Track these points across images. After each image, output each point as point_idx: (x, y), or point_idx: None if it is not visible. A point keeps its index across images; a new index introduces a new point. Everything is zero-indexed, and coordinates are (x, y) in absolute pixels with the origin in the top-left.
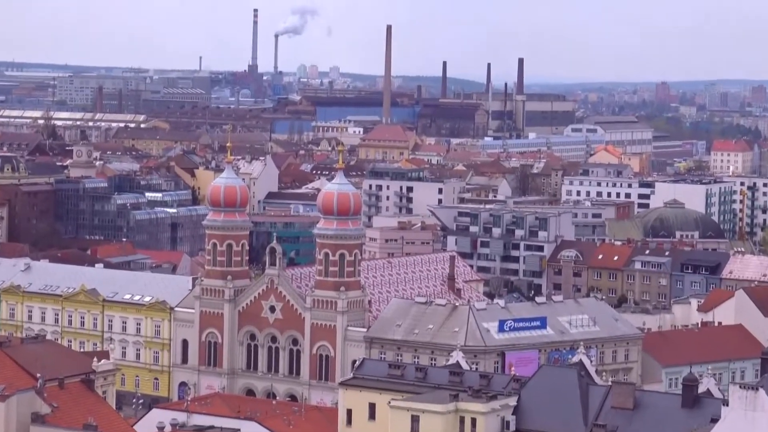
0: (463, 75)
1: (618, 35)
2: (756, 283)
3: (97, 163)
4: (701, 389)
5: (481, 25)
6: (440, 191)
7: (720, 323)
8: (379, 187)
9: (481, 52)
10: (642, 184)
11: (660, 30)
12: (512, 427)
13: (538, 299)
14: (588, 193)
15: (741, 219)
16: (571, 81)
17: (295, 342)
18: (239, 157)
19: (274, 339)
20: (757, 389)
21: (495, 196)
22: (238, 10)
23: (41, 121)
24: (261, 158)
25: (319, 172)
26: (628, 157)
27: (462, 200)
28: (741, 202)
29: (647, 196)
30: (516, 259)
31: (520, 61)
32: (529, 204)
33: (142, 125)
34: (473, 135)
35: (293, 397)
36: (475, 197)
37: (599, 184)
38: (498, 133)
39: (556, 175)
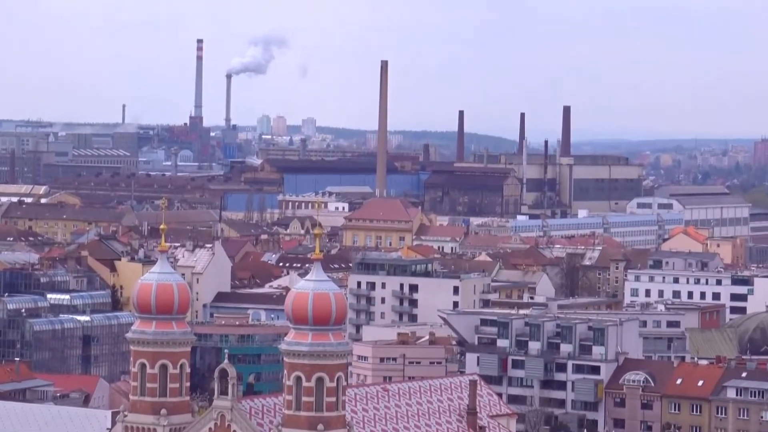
0: (488, 130)
1: (700, 76)
2: None
3: None
4: None
5: (510, 63)
6: (456, 291)
7: None
8: (372, 285)
9: (511, 99)
10: (736, 281)
11: (757, 72)
12: None
13: None
14: (661, 293)
15: None
16: (636, 137)
17: None
18: (177, 245)
19: None
20: None
21: (532, 298)
22: (176, 42)
23: None
24: (208, 246)
25: (287, 264)
26: (716, 242)
27: (486, 303)
28: None
29: (743, 297)
30: (562, 385)
31: (566, 110)
32: (580, 308)
33: (43, 200)
34: (501, 213)
35: None
36: (505, 299)
37: (676, 281)
38: (536, 211)
39: (617, 268)
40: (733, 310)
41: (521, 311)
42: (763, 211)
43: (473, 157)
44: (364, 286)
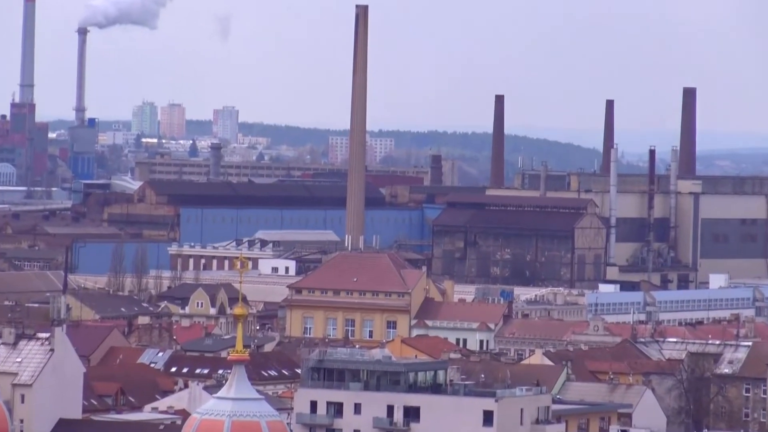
0: (546, 130)
1: None
2: None
3: None
4: None
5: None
6: (488, 418)
7: None
8: (337, 408)
9: (590, 78)
10: None
11: None
12: None
13: None
14: None
15: None
16: None
17: None
18: None
19: None
20: None
21: None
22: None
23: None
24: (42, 336)
25: (185, 370)
26: None
27: None
28: None
29: None
30: None
31: (688, 97)
32: None
33: None
34: (571, 279)
35: None
36: None
37: None
38: (633, 275)
39: None
40: None
41: None
42: None
43: (520, 179)
44: (323, 408)
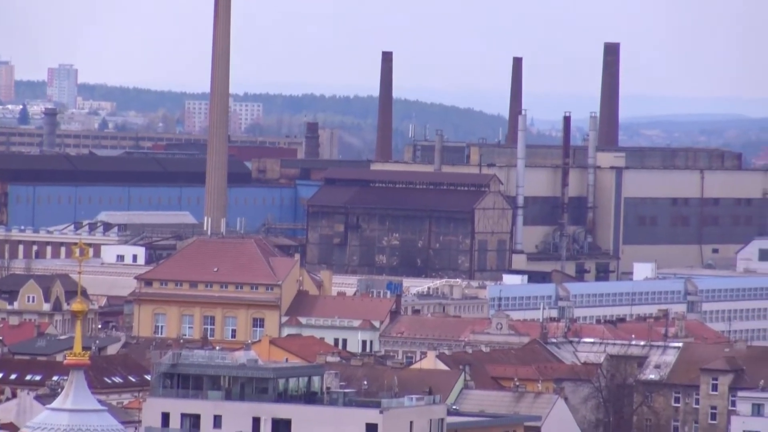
0: (441, 93)
1: None
2: None
3: None
4: None
5: None
6: None
7: None
8: (194, 421)
9: (493, 37)
10: None
11: None
12: None
13: None
14: None
15: None
16: (758, 109)
17: None
18: None
19: None
20: None
21: None
22: None
23: None
24: None
25: (14, 376)
26: None
27: None
28: None
29: None
30: None
31: (609, 53)
32: None
33: None
34: (471, 269)
35: None
36: None
37: None
38: (544, 264)
39: (713, 388)
40: None
41: None
42: None
43: (411, 151)
44: (176, 421)
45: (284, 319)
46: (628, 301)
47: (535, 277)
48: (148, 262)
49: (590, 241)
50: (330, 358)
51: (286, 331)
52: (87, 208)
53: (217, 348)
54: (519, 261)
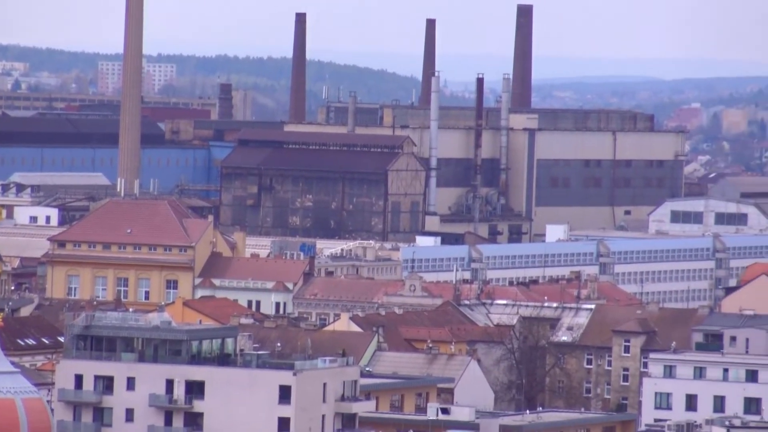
0: (354, 54)
1: None
2: None
3: None
4: None
5: None
6: (285, 395)
7: None
8: (107, 383)
9: None
10: None
11: None
12: None
13: None
14: (720, 403)
15: None
16: (670, 71)
17: None
18: None
19: None
20: None
21: (447, 411)
22: None
23: None
24: None
25: None
26: None
27: (351, 420)
28: None
29: None
30: None
31: (523, 14)
32: None
33: None
34: (384, 230)
35: None
36: (391, 412)
37: (753, 377)
38: (456, 226)
39: (626, 350)
40: None
41: None
42: None
43: (325, 112)
44: (89, 383)
45: (198, 281)
46: (541, 263)
47: (448, 239)
48: (61, 223)
49: (503, 202)
50: (243, 320)
51: (199, 293)
52: (0, 170)
53: (131, 310)
54: (432, 223)
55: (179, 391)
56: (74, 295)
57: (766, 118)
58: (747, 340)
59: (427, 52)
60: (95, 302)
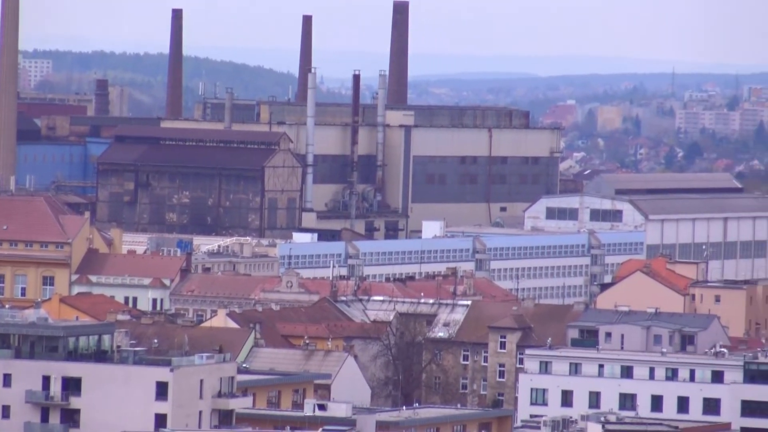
0: (231, 51)
1: None
2: None
3: None
4: None
5: None
6: (162, 391)
7: None
8: None
9: None
10: (756, 375)
11: None
12: None
13: None
14: (596, 399)
15: None
16: (550, 67)
17: None
18: None
19: None
20: None
21: (323, 408)
22: None
23: None
24: None
25: None
26: (713, 292)
27: (227, 417)
28: None
29: None
30: None
31: (399, 11)
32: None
33: None
34: (261, 226)
35: None
36: (268, 409)
37: (628, 374)
38: (334, 222)
39: (502, 346)
40: None
41: None
42: None
43: (201, 108)
44: None
45: (74, 277)
46: (417, 259)
47: (324, 236)
48: None
49: (379, 199)
50: (120, 317)
51: (76, 290)
52: None
53: (7, 306)
54: (309, 219)
55: (56, 388)
56: None
57: (641, 115)
58: (622, 336)
59: (303, 48)
60: None
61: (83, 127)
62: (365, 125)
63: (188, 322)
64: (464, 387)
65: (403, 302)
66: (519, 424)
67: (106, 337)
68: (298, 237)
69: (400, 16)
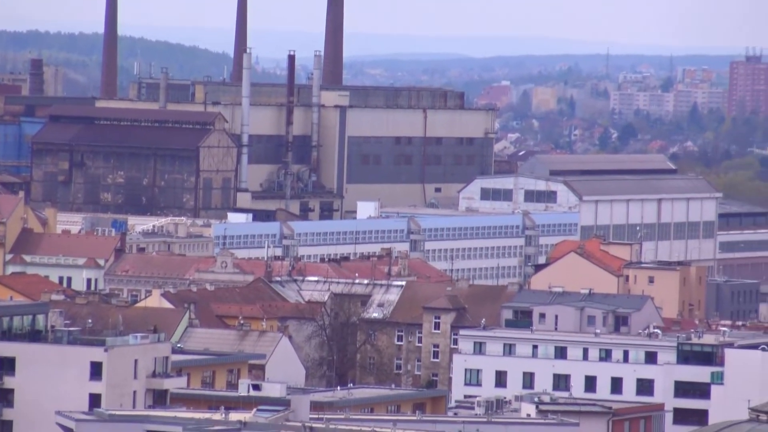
0: (169, 31)
1: None
2: None
3: None
4: None
5: None
6: (97, 371)
7: None
8: None
9: None
10: (689, 356)
11: None
12: None
13: None
14: (530, 379)
15: None
16: (483, 49)
17: None
18: None
19: None
20: None
21: (258, 388)
22: None
23: None
24: None
25: None
26: (646, 273)
27: (162, 396)
28: None
29: (701, 389)
30: None
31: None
32: (357, 413)
33: None
34: (196, 207)
35: None
36: (202, 389)
37: (562, 354)
38: (269, 203)
39: (436, 327)
40: (682, 415)
41: (230, 418)
42: (745, 209)
43: (136, 88)
44: None
45: (8, 257)
46: (352, 239)
47: (259, 216)
48: None
49: (314, 179)
50: (55, 297)
51: (10, 269)
52: None
53: None
54: (244, 199)
55: None
56: None
57: (575, 96)
58: (556, 317)
59: (239, 28)
60: None
61: (18, 107)
62: (300, 105)
63: (123, 302)
64: (398, 367)
65: (338, 283)
66: (453, 404)
67: (40, 317)
68: (233, 217)
69: None
